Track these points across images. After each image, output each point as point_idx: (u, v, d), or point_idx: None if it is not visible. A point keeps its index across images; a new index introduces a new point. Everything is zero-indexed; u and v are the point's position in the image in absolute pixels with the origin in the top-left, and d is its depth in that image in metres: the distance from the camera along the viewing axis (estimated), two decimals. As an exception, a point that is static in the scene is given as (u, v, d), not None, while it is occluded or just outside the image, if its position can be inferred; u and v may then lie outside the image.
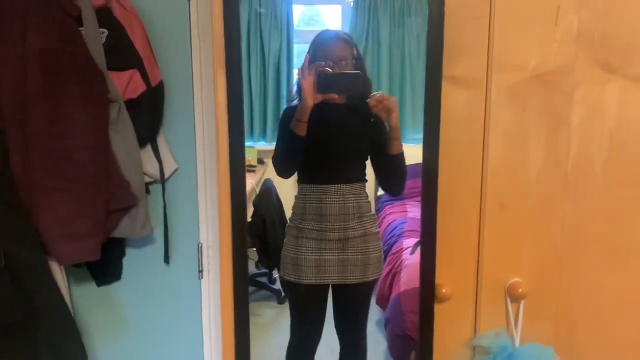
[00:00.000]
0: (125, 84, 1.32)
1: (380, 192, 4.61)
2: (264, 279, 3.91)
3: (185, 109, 1.44)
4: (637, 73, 1.31)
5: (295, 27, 4.35)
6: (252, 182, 3.86)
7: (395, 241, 3.31)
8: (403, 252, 3.10)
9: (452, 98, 1.29)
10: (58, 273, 1.29)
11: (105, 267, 1.41)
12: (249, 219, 3.58)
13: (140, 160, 1.34)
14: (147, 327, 1.52)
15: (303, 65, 1.84)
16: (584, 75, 1.30)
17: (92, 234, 1.23)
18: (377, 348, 3.03)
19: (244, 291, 1.45)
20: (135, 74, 1.33)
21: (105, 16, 1.29)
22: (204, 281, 1.52)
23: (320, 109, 1.85)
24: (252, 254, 3.64)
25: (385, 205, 4.12)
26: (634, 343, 1.43)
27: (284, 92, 4.28)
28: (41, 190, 1.20)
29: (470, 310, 1.37)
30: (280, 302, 3.68)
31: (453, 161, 1.31)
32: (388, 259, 3.16)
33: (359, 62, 1.98)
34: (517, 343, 1.36)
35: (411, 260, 2.94)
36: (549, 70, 1.29)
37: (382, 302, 3.07)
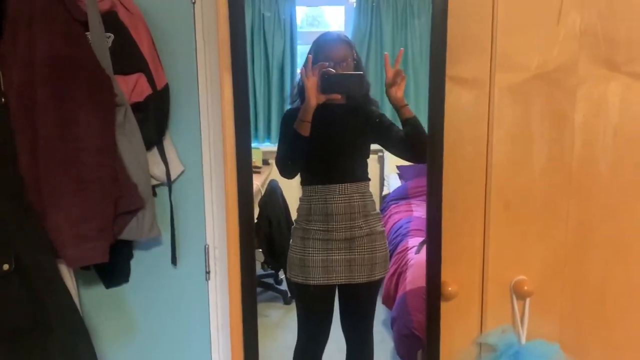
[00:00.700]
0: (131, 88, 1.33)
1: (386, 191, 4.62)
2: (270, 280, 3.92)
3: (191, 111, 1.45)
4: (641, 70, 1.31)
5: (298, 29, 4.37)
6: (257, 183, 3.87)
7: (401, 240, 3.31)
8: (408, 252, 3.10)
9: (455, 98, 1.30)
10: (67, 276, 1.29)
11: (113, 269, 1.42)
12: (255, 220, 3.58)
13: (147, 163, 1.35)
14: (156, 329, 1.53)
15: (306, 65, 1.85)
16: (587, 73, 1.30)
17: (100, 236, 1.24)
18: (384, 347, 3.04)
19: (252, 291, 1.46)
20: (141, 77, 1.34)
21: (111, 20, 1.30)
22: (211, 282, 1.53)
23: (322, 109, 1.86)
24: (258, 255, 3.65)
25: (391, 205, 4.12)
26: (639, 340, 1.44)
27: (288, 93, 4.30)
28: (49, 193, 1.21)
29: (476, 308, 1.38)
30: (287, 302, 3.69)
31: (458, 160, 1.32)
32: (394, 259, 3.17)
33: (359, 63, 2.00)
34: (524, 340, 1.36)
35: (417, 259, 2.94)
36: (552, 69, 1.30)
37: (389, 302, 3.07)
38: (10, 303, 1.16)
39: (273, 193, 3.59)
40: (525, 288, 1.34)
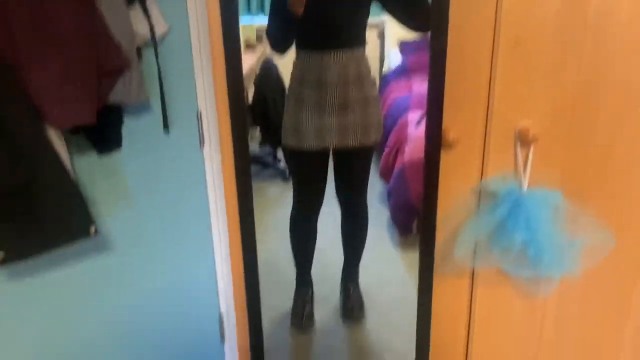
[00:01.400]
0: None
1: (386, 68, 4.49)
2: (268, 159, 3.95)
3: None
4: None
5: None
6: (251, 62, 3.75)
7: (400, 115, 3.28)
8: (408, 126, 3.07)
9: None
10: (57, 141, 1.27)
11: (104, 134, 1.39)
12: (250, 99, 3.53)
13: (129, 20, 1.26)
14: (151, 197, 1.52)
15: None
16: None
17: (85, 96, 1.19)
18: (380, 218, 3.12)
19: (244, 156, 1.45)
20: None
21: None
22: (205, 149, 1.50)
23: None
24: (256, 135, 3.64)
25: (391, 82, 4.03)
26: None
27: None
28: (28, 53, 1.15)
29: (477, 156, 1.35)
30: (285, 179, 3.74)
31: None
32: (393, 133, 3.15)
33: None
34: (525, 187, 1.34)
35: (416, 133, 2.92)
36: None
37: (386, 175, 3.11)
38: (-1, 164, 1.14)
39: (268, 72, 3.51)
40: (531, 134, 1.29)
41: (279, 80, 3.56)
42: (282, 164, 3.85)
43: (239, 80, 1.41)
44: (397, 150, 3.02)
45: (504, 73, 1.27)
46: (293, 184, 2.21)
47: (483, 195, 1.36)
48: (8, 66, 1.15)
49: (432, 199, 1.30)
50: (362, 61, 1.98)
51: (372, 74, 2.04)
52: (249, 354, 1.69)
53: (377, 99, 2.05)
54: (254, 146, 4.00)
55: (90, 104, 1.20)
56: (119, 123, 1.41)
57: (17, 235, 1.21)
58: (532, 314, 1.56)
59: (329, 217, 2.39)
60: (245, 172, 1.50)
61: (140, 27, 1.32)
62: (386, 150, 3.13)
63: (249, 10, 4.17)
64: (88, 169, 1.44)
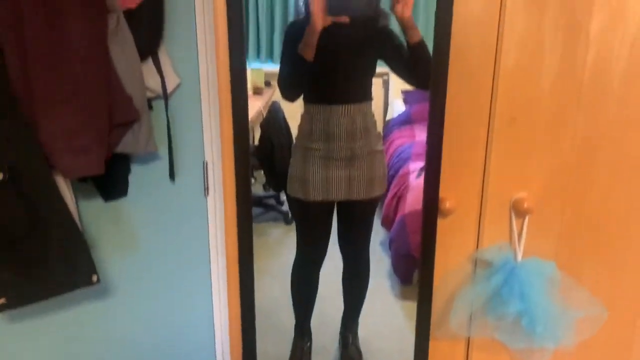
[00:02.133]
0: (123, -8, 1.26)
1: (390, 116, 4.56)
2: (271, 201, 3.97)
3: (186, 22, 1.39)
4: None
5: (305, -60, 4.13)
6: (259, 105, 3.82)
7: (402, 164, 3.31)
8: (410, 175, 3.10)
9: (465, 0, 1.22)
10: (64, 187, 1.29)
11: (111, 182, 1.41)
12: (256, 142, 3.57)
13: (141, 74, 1.30)
14: (155, 243, 1.54)
15: None
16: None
17: (95, 147, 1.22)
18: (381, 267, 3.11)
19: (247, 207, 1.47)
20: (133, -19, 1.27)
21: None
22: (210, 198, 1.52)
23: (328, 28, 1.78)
24: (260, 178, 3.67)
25: (394, 129, 4.09)
26: (636, 261, 1.44)
27: (291, 14, 4.14)
28: (42, 103, 1.19)
29: (473, 224, 1.37)
30: (288, 223, 3.75)
31: (464, 68, 1.26)
32: (394, 182, 3.18)
33: None
34: (520, 257, 1.37)
35: (417, 183, 2.95)
36: (571, -28, 1.21)
37: (387, 224, 3.12)
38: (5, 211, 1.16)
39: (275, 115, 3.55)
40: (525, 205, 1.32)
41: (285, 124, 3.61)
42: (285, 207, 3.86)
43: (245, 134, 1.44)
44: (399, 198, 3.04)
45: (499, 147, 1.31)
46: (297, 234, 2.23)
47: (479, 264, 1.38)
48: (22, 114, 1.18)
49: (429, 267, 1.32)
50: (369, 115, 2.02)
51: (377, 127, 2.08)
52: (244, 401, 1.67)
53: (383, 153, 2.09)
54: (258, 188, 4.03)
55: (99, 154, 1.23)
56: (126, 172, 1.44)
57: (20, 281, 1.22)
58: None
59: (330, 264, 2.39)
60: (248, 219, 1.51)
61: (152, 80, 1.37)
62: (388, 198, 3.15)
63: (258, 56, 4.27)
64: (93, 214, 1.46)
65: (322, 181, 2.02)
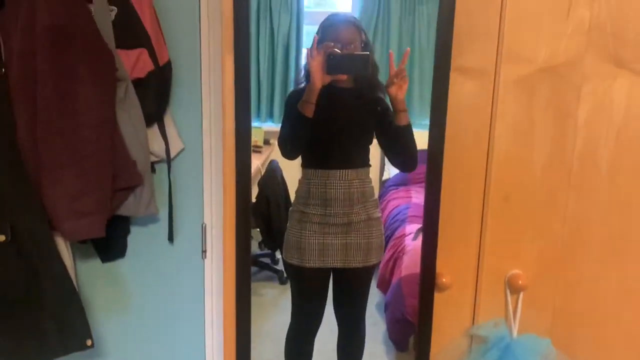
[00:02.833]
0: (133, 63, 1.31)
1: (386, 176, 4.61)
2: (266, 260, 3.94)
3: (192, 89, 1.44)
4: (648, 68, 1.30)
5: (305, 8, 4.30)
6: (257, 163, 3.86)
7: (399, 226, 3.32)
8: (406, 238, 3.11)
9: (459, 88, 1.29)
10: (64, 248, 1.30)
11: (110, 243, 1.42)
12: (253, 200, 3.59)
13: (146, 139, 1.34)
14: (150, 305, 1.53)
15: (312, 45, 1.82)
16: (594, 69, 1.29)
17: (97, 211, 1.23)
18: (376, 331, 3.06)
19: (246, 273, 1.47)
20: (143, 53, 1.32)
21: (115, -7, 1.28)
22: (207, 261, 1.53)
23: (327, 92, 1.85)
24: (256, 234, 3.66)
25: (390, 190, 4.12)
26: (632, 339, 1.44)
27: (292, 74, 4.26)
28: (48, 166, 1.20)
29: (469, 300, 1.39)
30: (283, 282, 3.71)
31: (459, 150, 1.32)
32: (390, 244, 3.18)
33: (367, 47, 1.97)
34: (515, 334, 1.37)
35: (413, 246, 2.95)
36: (558, 63, 1.29)
37: (383, 286, 3.09)
38: (5, 273, 1.16)
39: (273, 173, 3.59)
40: (520, 282, 1.34)
41: (283, 183, 3.64)
42: (280, 266, 3.83)
43: (246, 196, 1.46)
44: (395, 261, 3.04)
45: (494, 224, 1.35)
46: (292, 300, 2.21)
47: (474, 339, 1.38)
48: (27, 177, 1.20)
49: (426, 343, 1.33)
50: (366, 181, 2.05)
51: (374, 194, 2.11)
52: None
53: (380, 220, 2.10)
54: (253, 246, 4.01)
55: (101, 218, 1.24)
56: (125, 233, 1.46)
57: (13, 344, 1.21)
58: None
59: (325, 329, 2.36)
60: (245, 284, 1.51)
61: (157, 145, 1.40)
62: (384, 260, 3.14)
63: (258, 116, 4.36)
64: (90, 274, 1.47)
65: (318, 248, 2.02)
